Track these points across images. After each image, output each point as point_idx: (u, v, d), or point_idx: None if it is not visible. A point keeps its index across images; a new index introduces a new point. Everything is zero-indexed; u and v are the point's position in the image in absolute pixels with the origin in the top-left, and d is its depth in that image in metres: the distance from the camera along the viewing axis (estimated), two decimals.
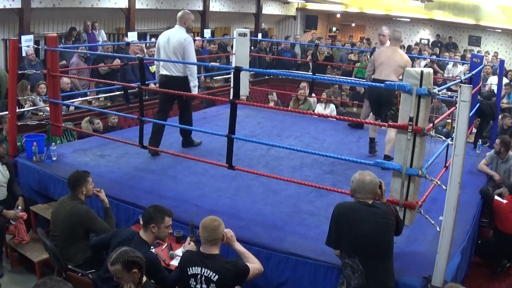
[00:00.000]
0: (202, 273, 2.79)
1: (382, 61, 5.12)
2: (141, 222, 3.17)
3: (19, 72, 5.65)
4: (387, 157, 4.87)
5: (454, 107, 3.81)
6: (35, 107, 6.25)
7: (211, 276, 2.77)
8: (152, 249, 3.40)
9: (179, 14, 5.05)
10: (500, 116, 6.65)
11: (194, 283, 2.80)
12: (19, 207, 4.18)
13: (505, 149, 5.12)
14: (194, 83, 4.98)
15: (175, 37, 4.93)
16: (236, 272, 2.81)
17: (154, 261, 2.89)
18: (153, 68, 7.14)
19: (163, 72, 5.04)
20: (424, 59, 10.52)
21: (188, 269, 2.82)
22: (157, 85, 5.29)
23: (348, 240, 2.74)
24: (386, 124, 3.97)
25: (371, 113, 5.38)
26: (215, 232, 2.83)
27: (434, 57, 11.52)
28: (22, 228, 4.12)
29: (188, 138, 5.37)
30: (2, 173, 4.33)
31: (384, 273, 2.75)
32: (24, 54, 7.25)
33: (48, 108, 5.91)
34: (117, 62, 7.35)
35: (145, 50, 8.56)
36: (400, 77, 4.90)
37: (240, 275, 2.84)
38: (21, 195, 4.37)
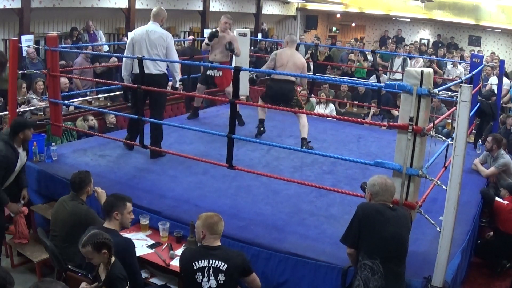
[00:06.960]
0: (210, 265, 2.81)
1: (283, 63, 5.50)
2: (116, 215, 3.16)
3: (20, 72, 5.66)
4: (305, 139, 5.45)
5: (454, 107, 3.81)
6: (33, 107, 6.22)
7: (220, 266, 2.80)
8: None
9: (155, 10, 4.97)
10: (502, 116, 6.64)
11: (201, 277, 2.81)
12: (22, 201, 4.12)
13: (497, 146, 5.11)
14: (178, 78, 5.09)
15: (154, 33, 4.81)
16: (243, 260, 2.90)
17: (130, 245, 2.98)
18: None
19: (139, 71, 4.67)
20: (423, 59, 10.49)
21: (193, 264, 2.83)
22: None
23: (372, 241, 2.71)
24: (386, 124, 3.98)
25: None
26: (216, 226, 2.90)
27: (434, 57, 11.49)
28: (22, 222, 4.07)
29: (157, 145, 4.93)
30: (21, 159, 4.08)
31: (400, 276, 2.76)
32: (24, 54, 7.23)
33: (45, 107, 5.92)
34: (113, 60, 7.33)
35: None
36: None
37: (246, 263, 2.92)
38: (25, 186, 4.22)
